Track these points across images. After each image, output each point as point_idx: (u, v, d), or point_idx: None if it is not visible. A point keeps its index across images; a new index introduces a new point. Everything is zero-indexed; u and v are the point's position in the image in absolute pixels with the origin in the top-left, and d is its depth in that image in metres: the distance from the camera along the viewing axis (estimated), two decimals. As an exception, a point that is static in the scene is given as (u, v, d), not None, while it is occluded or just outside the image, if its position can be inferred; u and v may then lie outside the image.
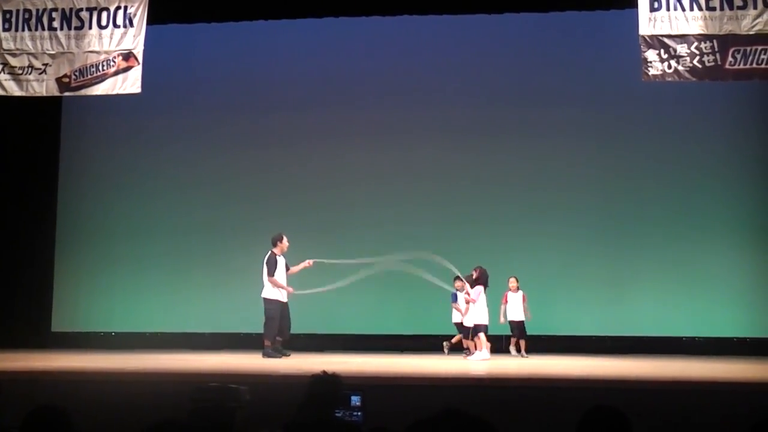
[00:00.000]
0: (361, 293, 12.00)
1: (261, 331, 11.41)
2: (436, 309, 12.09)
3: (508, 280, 11.44)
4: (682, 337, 12.18)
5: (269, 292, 11.00)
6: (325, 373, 4.99)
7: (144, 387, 7.73)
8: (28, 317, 13.11)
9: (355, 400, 5.76)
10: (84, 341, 12.61)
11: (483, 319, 10.97)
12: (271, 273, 10.94)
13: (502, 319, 11.43)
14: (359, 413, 5.74)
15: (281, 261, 11.12)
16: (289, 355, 10.85)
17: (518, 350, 11.47)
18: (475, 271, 11.04)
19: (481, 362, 10.52)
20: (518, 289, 11.49)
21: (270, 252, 11.07)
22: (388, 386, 7.72)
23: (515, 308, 11.44)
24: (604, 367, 9.64)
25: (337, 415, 5.25)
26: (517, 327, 11.51)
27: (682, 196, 12.41)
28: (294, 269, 11.16)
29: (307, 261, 11.15)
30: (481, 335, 10.86)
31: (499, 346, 11.34)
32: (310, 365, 8.56)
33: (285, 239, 11.13)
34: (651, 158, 12.50)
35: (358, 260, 11.13)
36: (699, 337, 12.14)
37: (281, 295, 11.02)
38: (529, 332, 11.48)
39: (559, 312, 12.09)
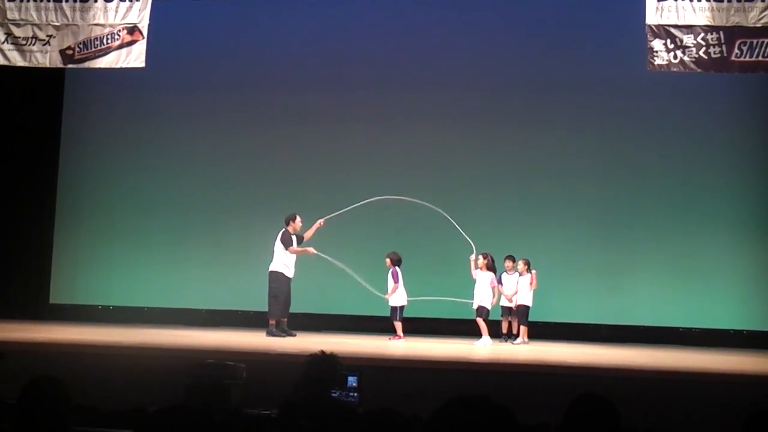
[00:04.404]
0: (361, 274, 11.99)
1: (259, 308, 11.47)
2: (435, 292, 12.11)
3: (504, 262, 11.41)
4: (678, 328, 12.20)
5: (277, 265, 11.07)
6: (322, 353, 5.00)
7: (142, 361, 7.77)
8: (26, 288, 13.10)
9: (352, 380, 5.80)
10: (82, 314, 12.62)
11: (487, 303, 11.10)
12: (288, 246, 11.08)
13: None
14: (355, 394, 5.77)
15: (295, 240, 11.22)
16: (295, 335, 10.88)
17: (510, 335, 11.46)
18: (484, 256, 11.10)
19: (482, 347, 10.61)
20: (514, 269, 11.42)
21: (284, 230, 11.16)
22: (385, 368, 7.77)
23: (510, 291, 11.36)
24: (599, 355, 9.68)
25: (333, 395, 5.27)
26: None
27: (682, 189, 12.38)
28: (308, 233, 11.26)
29: (318, 221, 11.26)
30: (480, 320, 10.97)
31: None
32: (308, 345, 8.60)
33: (298, 219, 11.25)
34: (651, 150, 12.46)
35: (359, 203, 11.32)
36: (695, 328, 12.16)
37: (289, 271, 11.09)
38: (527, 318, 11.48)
39: (557, 299, 12.08)
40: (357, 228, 12.02)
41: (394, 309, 11.14)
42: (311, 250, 11.21)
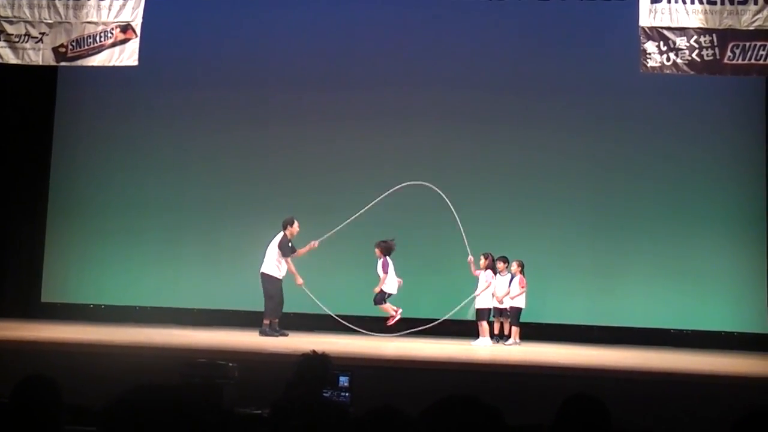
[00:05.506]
0: (353, 273, 12.01)
1: (251, 308, 11.47)
2: (427, 292, 12.13)
3: (497, 263, 11.40)
4: (670, 330, 12.23)
5: (269, 267, 11.05)
6: (314, 352, 5.01)
7: (134, 360, 7.75)
8: (17, 287, 13.07)
9: (344, 380, 5.80)
10: (73, 313, 12.57)
11: (488, 303, 11.13)
12: (286, 255, 11.05)
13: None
14: (347, 394, 5.78)
15: (291, 246, 11.22)
16: (287, 335, 10.88)
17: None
18: (485, 257, 11.10)
19: (480, 347, 10.62)
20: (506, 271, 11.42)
21: (282, 234, 11.11)
22: (377, 367, 7.77)
23: (501, 292, 11.34)
24: (591, 357, 9.70)
25: (324, 394, 5.28)
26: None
27: (674, 191, 12.42)
28: (301, 251, 11.21)
29: (312, 242, 11.22)
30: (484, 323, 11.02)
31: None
32: (300, 344, 8.60)
33: (296, 223, 11.17)
34: (644, 152, 12.50)
35: (353, 217, 11.30)
36: (687, 330, 12.19)
37: (279, 272, 11.09)
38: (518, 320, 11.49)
39: (549, 301, 12.12)
40: (353, 227, 12.00)
41: (380, 293, 11.12)
42: (314, 243, 11.19)
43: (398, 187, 11.39)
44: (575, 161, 12.57)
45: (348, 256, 12.17)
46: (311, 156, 12.90)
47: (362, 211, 11.36)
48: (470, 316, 11.27)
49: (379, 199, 11.38)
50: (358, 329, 11.28)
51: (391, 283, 11.15)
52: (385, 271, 11.10)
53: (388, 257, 11.18)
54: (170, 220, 12.96)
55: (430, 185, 11.31)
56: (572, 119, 12.61)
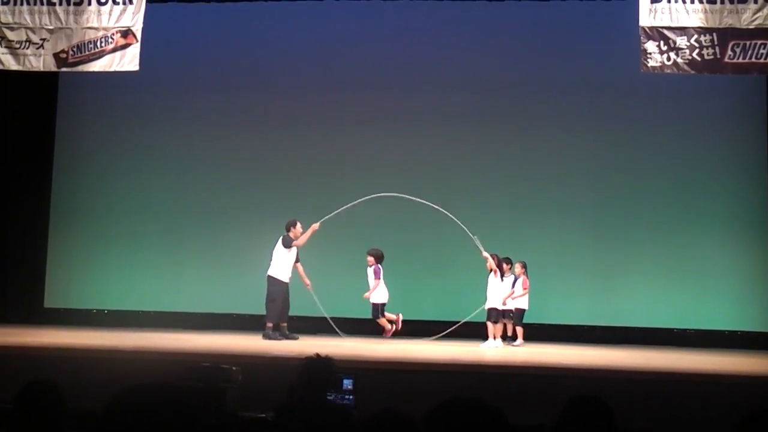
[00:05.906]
0: (356, 277, 11.99)
1: (254, 312, 11.49)
2: (429, 294, 12.13)
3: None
4: (672, 329, 12.22)
5: (276, 271, 11.11)
6: (318, 355, 5.00)
7: (137, 365, 7.76)
8: (20, 292, 13.08)
9: (347, 383, 5.79)
10: (76, 318, 12.59)
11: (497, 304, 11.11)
12: (287, 245, 11.09)
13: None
14: (351, 397, 5.76)
15: (294, 248, 11.24)
16: (297, 338, 10.90)
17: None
18: (493, 258, 11.09)
19: (489, 349, 10.61)
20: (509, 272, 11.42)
21: (284, 235, 11.19)
22: (381, 370, 7.77)
23: (505, 293, 11.32)
24: (594, 357, 9.69)
25: (328, 398, 5.27)
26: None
27: (676, 190, 12.42)
28: (303, 238, 11.18)
29: (313, 225, 11.20)
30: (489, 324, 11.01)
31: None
32: (303, 348, 8.61)
33: (299, 225, 11.23)
34: (646, 151, 12.49)
35: (353, 203, 11.32)
36: (689, 329, 12.18)
37: (286, 276, 11.12)
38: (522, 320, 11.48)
39: (551, 301, 12.10)
40: (350, 228, 12.01)
41: (375, 306, 11.07)
42: (315, 226, 11.18)
43: (371, 197, 11.37)
44: (576, 161, 12.57)
45: (349, 257, 12.16)
46: (313, 159, 12.91)
47: (356, 202, 11.35)
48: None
49: (355, 202, 11.38)
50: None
51: (382, 292, 11.10)
52: (378, 278, 11.07)
53: (380, 265, 11.16)
54: (172, 224, 12.97)
55: (413, 198, 11.35)
56: (573, 119, 12.61)
